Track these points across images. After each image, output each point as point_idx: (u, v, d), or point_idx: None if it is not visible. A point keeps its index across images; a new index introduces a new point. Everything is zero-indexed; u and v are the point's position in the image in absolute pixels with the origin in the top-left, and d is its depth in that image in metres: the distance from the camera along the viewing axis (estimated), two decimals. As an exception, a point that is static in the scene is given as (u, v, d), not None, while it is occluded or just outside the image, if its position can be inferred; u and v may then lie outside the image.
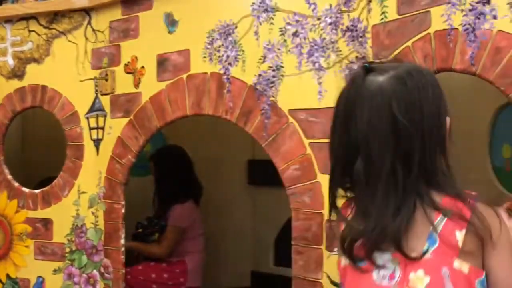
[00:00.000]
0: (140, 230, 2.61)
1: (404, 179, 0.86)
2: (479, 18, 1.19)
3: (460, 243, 0.85)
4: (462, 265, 0.84)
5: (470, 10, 1.20)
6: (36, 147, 3.28)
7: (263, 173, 3.23)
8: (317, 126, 1.56)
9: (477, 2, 1.19)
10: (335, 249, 1.50)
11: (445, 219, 0.85)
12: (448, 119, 0.93)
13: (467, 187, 0.90)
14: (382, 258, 0.88)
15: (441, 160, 0.90)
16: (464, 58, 1.22)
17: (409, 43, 1.34)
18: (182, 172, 2.66)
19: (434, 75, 0.96)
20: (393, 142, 0.87)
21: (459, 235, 0.85)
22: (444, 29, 1.26)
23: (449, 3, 1.24)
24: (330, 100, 1.53)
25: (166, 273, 2.55)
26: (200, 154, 3.08)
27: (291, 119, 1.60)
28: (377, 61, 1.07)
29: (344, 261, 0.95)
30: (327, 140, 1.52)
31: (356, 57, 1.48)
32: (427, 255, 0.85)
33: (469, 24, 1.21)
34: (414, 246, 0.86)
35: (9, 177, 2.24)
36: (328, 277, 1.52)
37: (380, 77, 0.90)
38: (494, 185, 2.18)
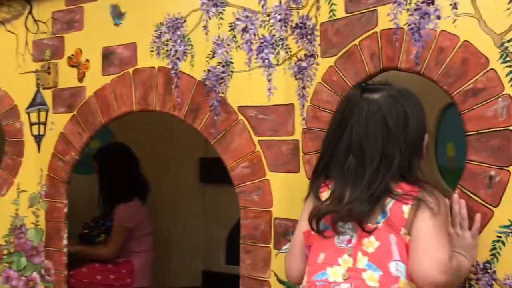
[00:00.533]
0: (86, 231, 2.51)
1: (383, 177, 1.07)
2: (423, 18, 1.20)
3: (406, 215, 1.06)
4: (405, 235, 1.05)
5: (415, 10, 1.22)
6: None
7: (215, 171, 3.20)
8: (266, 124, 1.54)
9: (422, 2, 1.21)
10: (284, 247, 1.49)
11: (394, 200, 1.07)
12: (426, 135, 1.15)
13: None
14: (344, 227, 1.10)
15: (417, 165, 1.12)
16: (409, 57, 1.24)
17: (356, 42, 1.34)
18: (127, 170, 2.58)
19: (418, 97, 1.17)
20: (382, 148, 1.08)
21: (406, 208, 1.06)
22: (390, 28, 1.27)
23: (395, 2, 1.25)
24: (279, 97, 1.52)
25: (112, 274, 2.47)
26: (151, 151, 3.00)
27: (240, 116, 1.58)
28: (370, 82, 1.23)
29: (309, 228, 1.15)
30: (276, 138, 1.54)
31: (305, 54, 1.47)
32: (379, 225, 1.07)
33: (414, 23, 1.22)
34: (370, 222, 1.07)
35: None
36: (276, 275, 1.51)
37: (376, 95, 1.13)
38: (439, 184, 2.24)
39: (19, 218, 1.98)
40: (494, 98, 1.11)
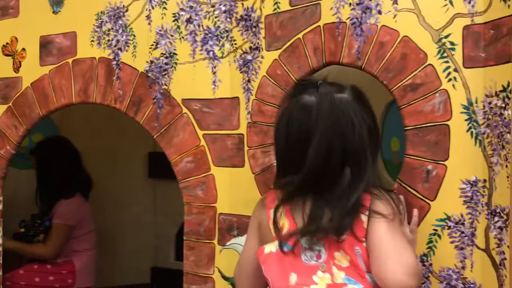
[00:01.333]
0: (22, 230, 2.39)
1: (357, 189, 1.03)
2: (365, 13, 1.20)
3: (365, 224, 1.03)
4: (367, 244, 1.02)
5: (357, 4, 1.22)
6: None
7: (164, 166, 3.14)
8: (211, 117, 1.51)
9: (364, -4, 1.21)
10: (228, 243, 1.47)
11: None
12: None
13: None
14: (307, 242, 1.04)
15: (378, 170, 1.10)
16: (351, 52, 1.24)
17: (300, 35, 1.33)
18: (66, 164, 2.47)
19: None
20: (356, 158, 1.04)
21: (364, 218, 1.03)
22: (333, 22, 1.26)
23: (338, -4, 1.24)
24: (224, 90, 1.50)
25: (51, 275, 2.37)
26: (97, 145, 2.91)
27: (184, 109, 1.54)
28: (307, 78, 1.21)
29: (269, 248, 1.07)
30: (221, 132, 1.51)
31: (250, 47, 1.45)
32: (346, 237, 1.03)
33: (356, 18, 1.22)
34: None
35: None
36: (220, 272, 1.48)
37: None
38: (384, 178, 2.28)
39: (-51, 216, 1.85)
40: (432, 93, 1.13)
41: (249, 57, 1.45)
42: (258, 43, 1.43)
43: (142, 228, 3.13)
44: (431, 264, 1.13)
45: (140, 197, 3.13)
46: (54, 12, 1.73)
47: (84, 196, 2.50)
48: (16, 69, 1.79)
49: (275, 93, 1.39)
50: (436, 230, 1.12)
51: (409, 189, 1.16)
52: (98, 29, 1.64)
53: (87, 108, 3.04)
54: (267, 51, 1.41)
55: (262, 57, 1.42)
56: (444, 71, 1.11)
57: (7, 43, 1.81)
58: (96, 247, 2.55)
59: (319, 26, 1.29)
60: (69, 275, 2.42)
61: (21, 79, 1.79)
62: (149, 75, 1.57)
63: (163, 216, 3.14)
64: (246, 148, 1.46)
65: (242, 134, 1.46)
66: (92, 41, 1.66)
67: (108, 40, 1.63)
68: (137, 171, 3.12)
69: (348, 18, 1.24)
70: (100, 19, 1.64)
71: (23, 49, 1.78)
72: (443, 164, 1.12)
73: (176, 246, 3.14)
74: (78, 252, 2.43)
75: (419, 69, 1.15)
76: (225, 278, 1.48)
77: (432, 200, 1.13)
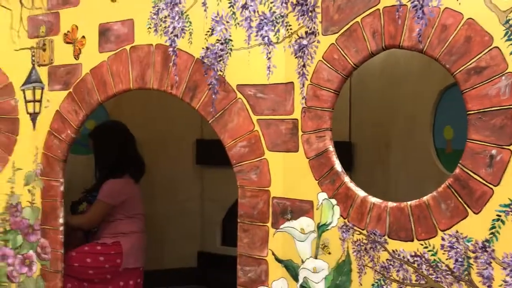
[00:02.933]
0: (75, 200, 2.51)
1: None
2: (427, -5, 1.19)
3: None
4: None
5: (419, -13, 1.20)
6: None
7: (212, 153, 3.20)
8: (265, 103, 1.52)
9: (426, -21, 1.19)
10: (281, 226, 1.49)
11: None
12: None
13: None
14: None
15: None
16: (411, 35, 1.22)
17: (358, 19, 1.32)
18: (119, 146, 2.57)
19: None
20: None
21: None
22: (393, 5, 1.25)
23: (398, -22, 1.23)
24: (279, 76, 1.51)
25: (101, 256, 2.46)
26: (147, 132, 2.99)
27: (239, 95, 1.56)
28: None
29: None
30: (275, 117, 1.53)
31: (306, 32, 1.45)
32: None
33: (418, 0, 1.20)
34: None
35: None
36: (274, 254, 1.51)
37: None
38: (436, 166, 2.25)
39: (15, 196, 1.96)
40: (497, 76, 1.10)
41: (304, 42, 1.45)
42: (314, 27, 1.43)
43: (189, 213, 3.20)
44: (493, 250, 1.11)
45: (188, 183, 3.20)
46: (112, 0, 1.78)
47: (135, 179, 2.58)
48: (76, 56, 1.86)
49: (331, 78, 1.39)
50: (500, 215, 1.10)
51: (472, 174, 1.14)
52: (155, 16, 1.69)
53: (137, 95, 3.13)
54: (324, 35, 1.41)
55: (318, 42, 1.42)
56: (511, 53, 1.08)
57: (68, 31, 1.88)
58: (144, 231, 2.63)
59: (378, 9, 1.28)
60: (117, 256, 2.50)
61: (81, 66, 1.86)
62: (205, 61, 1.60)
63: (210, 202, 3.20)
64: (300, 133, 1.47)
65: (296, 119, 1.47)
66: (149, 28, 1.70)
67: (165, 27, 1.66)
68: (185, 157, 3.18)
69: (409, 1, 1.22)
70: (157, 6, 1.68)
71: (83, 36, 1.85)
72: (508, 149, 1.09)
73: (223, 232, 3.19)
74: (125, 234, 2.52)
75: (484, 52, 1.12)
76: (279, 260, 1.51)
77: (495, 186, 1.11)
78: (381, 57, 1.27)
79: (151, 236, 2.75)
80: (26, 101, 1.95)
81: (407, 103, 2.36)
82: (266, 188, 1.53)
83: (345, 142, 2.65)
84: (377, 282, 1.30)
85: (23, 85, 1.96)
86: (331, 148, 1.40)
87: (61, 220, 1.90)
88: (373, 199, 1.32)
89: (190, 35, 1.63)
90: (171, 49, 1.65)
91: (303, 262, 1.46)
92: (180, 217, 3.18)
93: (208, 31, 1.59)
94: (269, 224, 1.53)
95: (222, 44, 1.57)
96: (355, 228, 1.34)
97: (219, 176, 3.15)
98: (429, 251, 1.20)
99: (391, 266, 1.27)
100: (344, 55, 1.36)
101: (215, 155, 3.15)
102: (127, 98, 3.08)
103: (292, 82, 1.48)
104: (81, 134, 2.71)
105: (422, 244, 1.22)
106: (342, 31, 1.36)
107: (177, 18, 1.64)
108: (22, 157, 1.96)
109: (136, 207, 2.58)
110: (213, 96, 1.60)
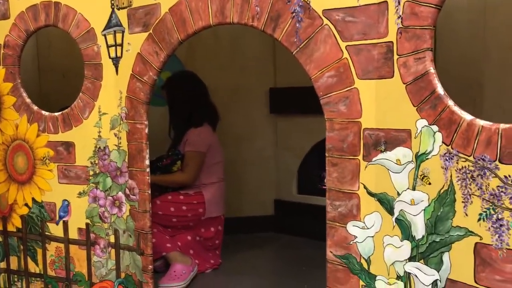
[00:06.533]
0: (153, 159, 2.49)
1: None
2: None
3: None
4: None
5: None
6: (53, 77, 3.20)
7: (285, 101, 3.15)
8: (355, 27, 1.43)
9: None
10: (374, 159, 1.42)
11: None
12: None
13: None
14: None
15: None
16: None
17: None
18: (195, 95, 2.57)
19: None
20: None
21: None
22: None
23: None
24: (369, -3, 1.40)
25: (184, 205, 2.51)
26: (220, 82, 2.97)
27: (325, 21, 1.47)
28: None
29: None
30: (366, 42, 1.43)
31: None
32: None
33: None
34: None
35: (28, 100, 2.17)
36: (366, 188, 1.44)
37: None
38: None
39: (102, 140, 2.01)
40: None
41: (398, -44, 1.33)
42: None
43: (264, 162, 3.19)
44: None
45: (262, 132, 3.18)
46: None
47: (212, 127, 2.60)
48: (155, -4, 1.84)
49: (431, -7, 1.26)
50: None
51: None
52: None
53: (211, 47, 3.11)
54: None
55: (415, -46, 1.29)
56: None
57: (145, -29, 1.85)
58: (224, 179, 2.65)
59: None
60: (199, 205, 2.55)
61: (159, 5, 1.83)
62: (288, -13, 1.51)
63: (285, 150, 3.17)
64: (395, 56, 1.36)
65: (391, 41, 1.37)
66: (228, -42, 1.63)
67: (244, -44, 1.59)
68: (259, 106, 3.15)
69: None
70: None
71: (160, -25, 1.81)
72: None
73: (298, 180, 3.17)
74: (206, 185, 2.55)
75: None
76: (371, 194, 1.44)
77: None
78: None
79: (228, 184, 2.77)
80: (108, 46, 1.97)
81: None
82: (357, 120, 1.45)
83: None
84: (485, 212, 1.20)
85: (104, 29, 1.97)
86: (432, 70, 1.28)
87: (147, 162, 1.93)
88: (481, 122, 1.20)
89: (271, -39, 1.54)
90: (251, -22, 1.58)
91: (399, 194, 1.38)
92: (255, 166, 3.18)
93: (291, -45, 1.50)
94: (360, 157, 1.46)
95: (306, -32, 1.48)
96: (460, 155, 1.24)
97: (293, 124, 3.10)
98: (549, 174, 1.09)
99: (502, 194, 1.17)
100: (447, -36, 1.22)
101: (288, 103, 3.11)
102: (201, 48, 3.08)
103: (385, 1, 1.36)
104: (156, 85, 2.76)
105: (541, 168, 1.10)
106: None
107: None
108: (107, 102, 1.99)
109: (216, 155, 2.60)
110: (297, 25, 1.52)
